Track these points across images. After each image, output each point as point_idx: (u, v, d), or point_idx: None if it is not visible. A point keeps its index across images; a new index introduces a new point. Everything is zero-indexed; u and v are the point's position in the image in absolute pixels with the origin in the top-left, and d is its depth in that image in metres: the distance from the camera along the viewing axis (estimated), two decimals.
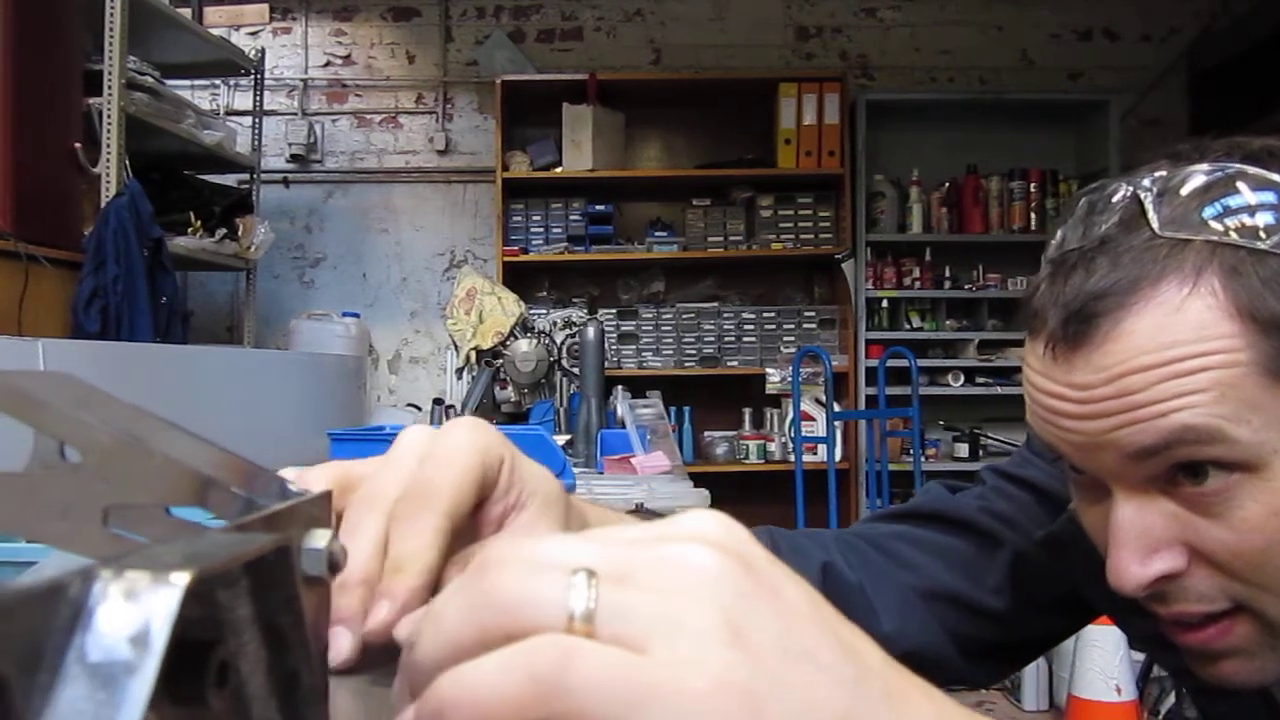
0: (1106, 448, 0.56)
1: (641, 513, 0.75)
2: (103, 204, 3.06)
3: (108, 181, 3.08)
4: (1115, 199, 0.57)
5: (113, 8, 3.10)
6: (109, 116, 3.09)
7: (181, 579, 0.20)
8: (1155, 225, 0.54)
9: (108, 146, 3.09)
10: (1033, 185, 4.38)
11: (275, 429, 2.56)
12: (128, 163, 3.14)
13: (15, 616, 0.18)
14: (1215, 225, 0.54)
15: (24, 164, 2.79)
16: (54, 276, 2.85)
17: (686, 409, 4.39)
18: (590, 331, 2.55)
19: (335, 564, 0.29)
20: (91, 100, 3.10)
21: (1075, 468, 0.60)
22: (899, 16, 4.71)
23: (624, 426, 2.44)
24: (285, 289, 4.66)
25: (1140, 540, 0.56)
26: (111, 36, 3.10)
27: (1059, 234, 0.60)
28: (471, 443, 0.42)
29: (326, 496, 0.32)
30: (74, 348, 2.00)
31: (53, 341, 1.81)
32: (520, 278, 4.37)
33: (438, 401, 3.09)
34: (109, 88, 3.09)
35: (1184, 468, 0.54)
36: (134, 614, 0.19)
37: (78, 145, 3.02)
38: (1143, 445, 0.54)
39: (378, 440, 1.24)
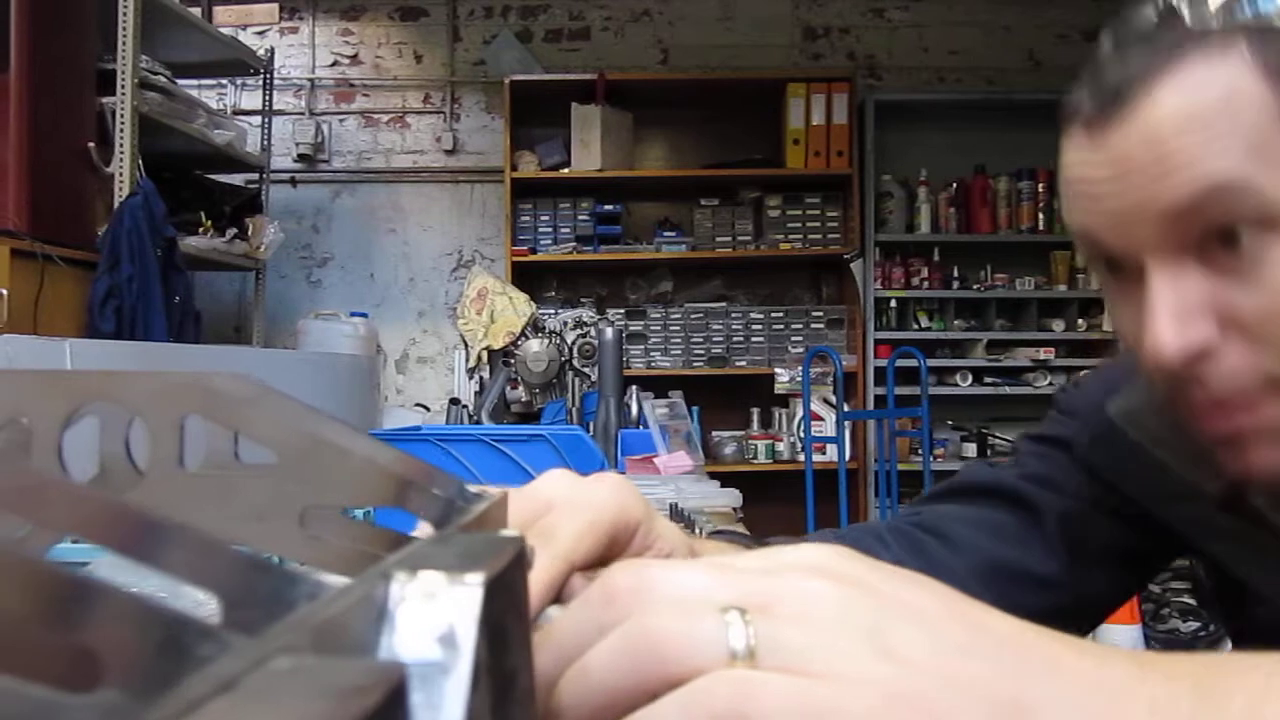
0: (1140, 216, 0.57)
1: (730, 537, 0.75)
2: (115, 203, 3.06)
3: (121, 181, 3.07)
4: (1148, 9, 0.60)
5: (125, 7, 3.10)
6: (122, 116, 3.09)
7: (477, 579, 0.20)
8: (1188, 21, 0.57)
9: (121, 146, 3.08)
10: (1040, 185, 4.38)
11: None
12: (140, 162, 3.14)
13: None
14: (1244, 17, 0.56)
15: (39, 164, 2.78)
16: (68, 276, 2.84)
17: (695, 409, 4.38)
18: (609, 332, 2.55)
19: (530, 564, 0.29)
20: (104, 100, 3.09)
21: (1111, 264, 0.61)
22: (907, 17, 4.71)
23: (638, 426, 2.45)
24: (293, 289, 4.65)
25: (1176, 308, 0.56)
26: (125, 36, 3.09)
27: (1099, 49, 0.63)
28: (608, 499, 0.43)
29: (505, 498, 0.32)
30: (100, 347, 1.99)
31: (79, 341, 1.81)
32: (528, 278, 4.36)
33: (454, 401, 3.09)
34: (122, 87, 3.09)
35: (1217, 233, 0.55)
36: (437, 615, 0.19)
37: (91, 145, 3.02)
38: (1175, 203, 0.55)
39: (415, 440, 1.24)
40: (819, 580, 0.29)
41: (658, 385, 4.19)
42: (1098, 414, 0.75)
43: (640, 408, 2.87)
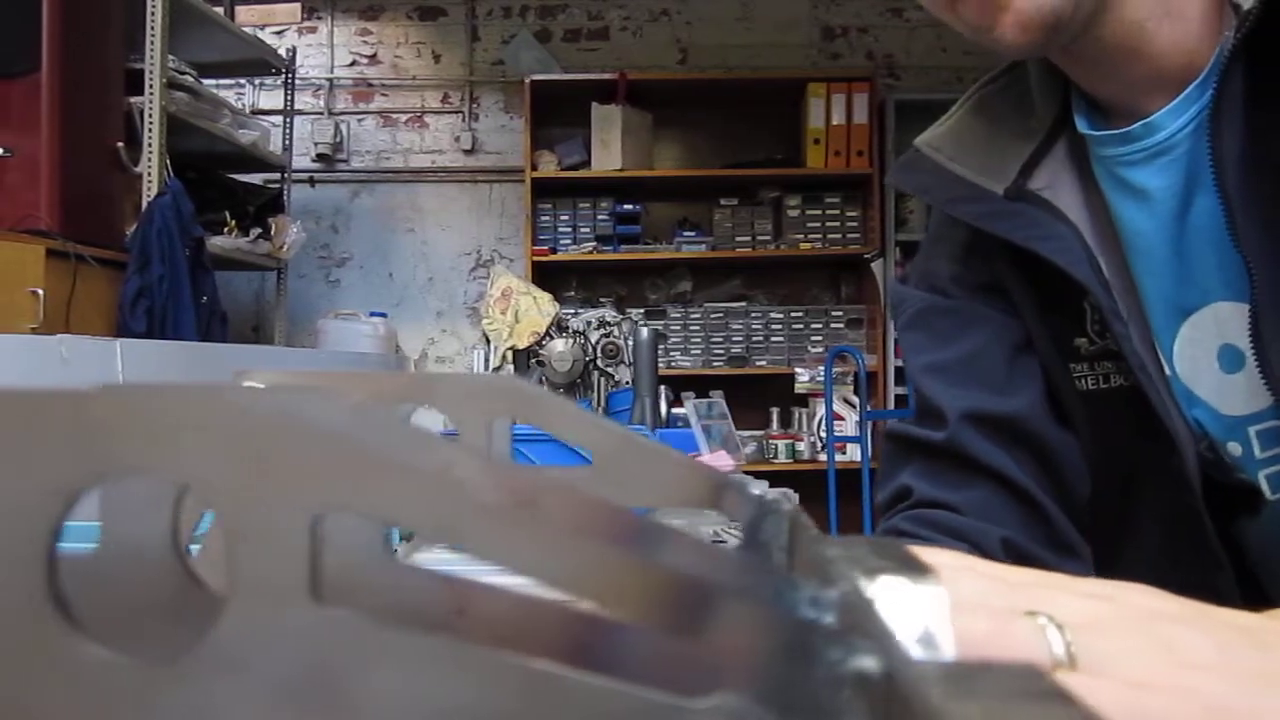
0: None
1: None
2: (143, 203, 3.06)
3: (149, 181, 3.07)
4: None
5: (154, 6, 3.10)
6: (150, 115, 3.09)
7: (937, 582, 0.20)
8: None
9: (149, 146, 3.08)
10: None
11: None
12: (168, 162, 3.14)
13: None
14: None
15: (70, 163, 2.79)
16: (99, 276, 2.84)
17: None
18: (643, 332, 2.55)
19: None
20: (133, 99, 3.09)
21: None
22: (925, 16, 4.66)
23: (667, 426, 2.45)
24: (311, 289, 4.65)
25: None
26: (153, 35, 3.09)
27: None
28: None
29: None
30: (150, 348, 1.99)
31: (128, 341, 1.81)
32: (548, 277, 4.36)
33: None
34: (150, 87, 3.09)
35: None
36: (911, 618, 0.19)
37: (120, 144, 3.02)
38: None
39: None
40: (1092, 591, 0.30)
41: (677, 385, 4.20)
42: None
43: (669, 408, 2.87)
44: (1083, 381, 0.82)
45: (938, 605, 0.19)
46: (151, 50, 3.08)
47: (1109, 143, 0.75)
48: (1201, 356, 0.76)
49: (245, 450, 0.15)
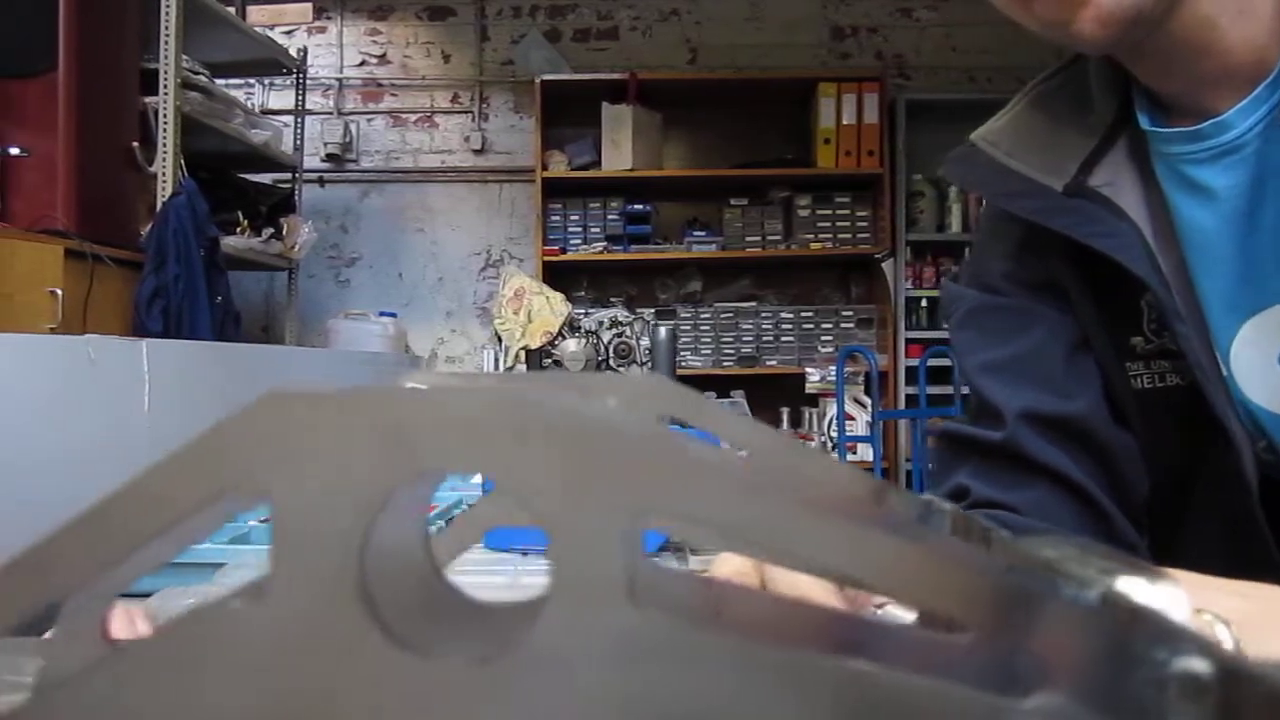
0: None
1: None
2: (158, 203, 3.06)
3: (163, 181, 3.07)
4: None
5: (168, 6, 3.10)
6: (165, 115, 3.09)
7: (1171, 579, 0.20)
8: None
9: (164, 145, 3.08)
10: None
11: None
12: (183, 162, 3.14)
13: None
14: None
15: (87, 163, 2.78)
16: (115, 276, 2.84)
17: None
18: (661, 331, 2.55)
19: None
20: (147, 99, 3.09)
21: None
22: (935, 16, 4.71)
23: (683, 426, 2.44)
24: (321, 288, 4.65)
25: None
26: (167, 35, 3.09)
27: None
28: None
29: None
30: (175, 348, 1.99)
31: (154, 341, 1.81)
32: (558, 277, 4.36)
33: None
34: (165, 87, 3.09)
35: None
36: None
37: (136, 144, 3.02)
38: None
39: None
40: (1236, 589, 0.30)
41: (687, 385, 4.20)
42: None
43: None
44: (1138, 380, 0.82)
45: (1180, 605, 0.19)
46: (166, 50, 3.08)
47: (1174, 140, 0.75)
48: (1260, 357, 0.76)
49: (564, 454, 0.14)
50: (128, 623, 0.68)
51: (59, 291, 2.45)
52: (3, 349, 1.63)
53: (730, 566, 0.43)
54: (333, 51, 4.68)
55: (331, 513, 0.15)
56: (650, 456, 0.15)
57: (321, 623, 0.15)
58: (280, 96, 4.60)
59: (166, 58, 3.08)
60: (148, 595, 0.89)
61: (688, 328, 4.44)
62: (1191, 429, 0.79)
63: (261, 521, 1.28)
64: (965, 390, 0.90)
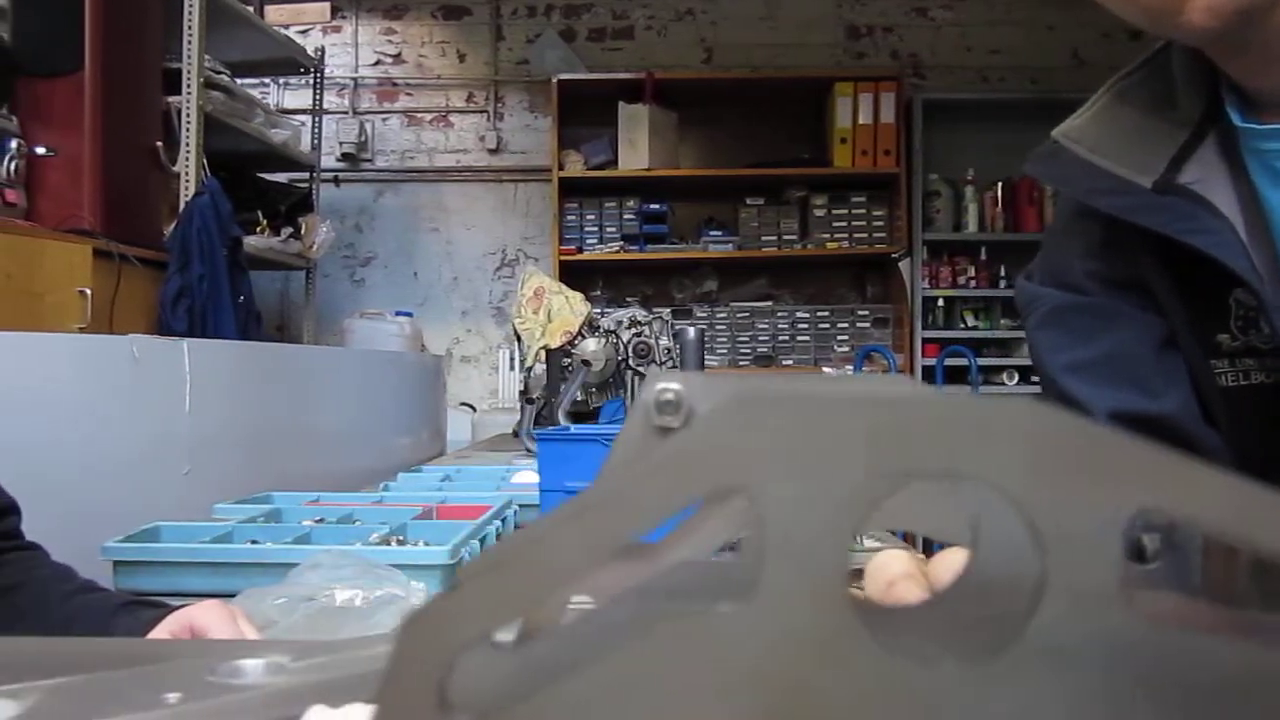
0: None
1: None
2: (180, 202, 3.06)
3: (186, 180, 3.07)
4: None
5: (191, 6, 3.10)
6: (188, 115, 3.09)
7: None
8: None
9: (187, 145, 3.08)
10: None
11: (380, 426, 2.56)
12: (205, 161, 3.14)
13: None
14: None
15: (112, 163, 2.78)
16: (140, 275, 2.84)
17: None
18: (690, 331, 2.56)
19: None
20: (170, 99, 3.09)
21: None
22: (950, 16, 4.71)
23: None
24: (336, 288, 4.65)
25: None
26: (190, 35, 3.09)
27: None
28: None
29: None
30: (214, 347, 2.00)
31: (195, 341, 1.81)
32: (573, 277, 4.35)
33: (530, 400, 3.08)
34: (188, 86, 3.09)
35: None
36: None
37: (159, 144, 3.02)
38: None
39: (584, 440, 1.24)
40: None
41: None
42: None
43: None
44: (1223, 378, 0.82)
45: None
46: (189, 50, 3.08)
47: (1271, 136, 0.75)
48: None
49: (1060, 458, 0.14)
50: (230, 622, 0.69)
51: (89, 291, 2.44)
52: (49, 348, 1.64)
53: (898, 566, 0.43)
54: (348, 51, 4.67)
55: (817, 514, 0.15)
56: (1143, 460, 0.15)
57: (813, 625, 0.15)
58: (294, 96, 4.60)
59: (189, 57, 3.08)
60: (231, 595, 0.89)
61: (703, 327, 4.43)
62: (1276, 427, 0.79)
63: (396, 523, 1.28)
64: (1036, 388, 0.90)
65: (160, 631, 0.67)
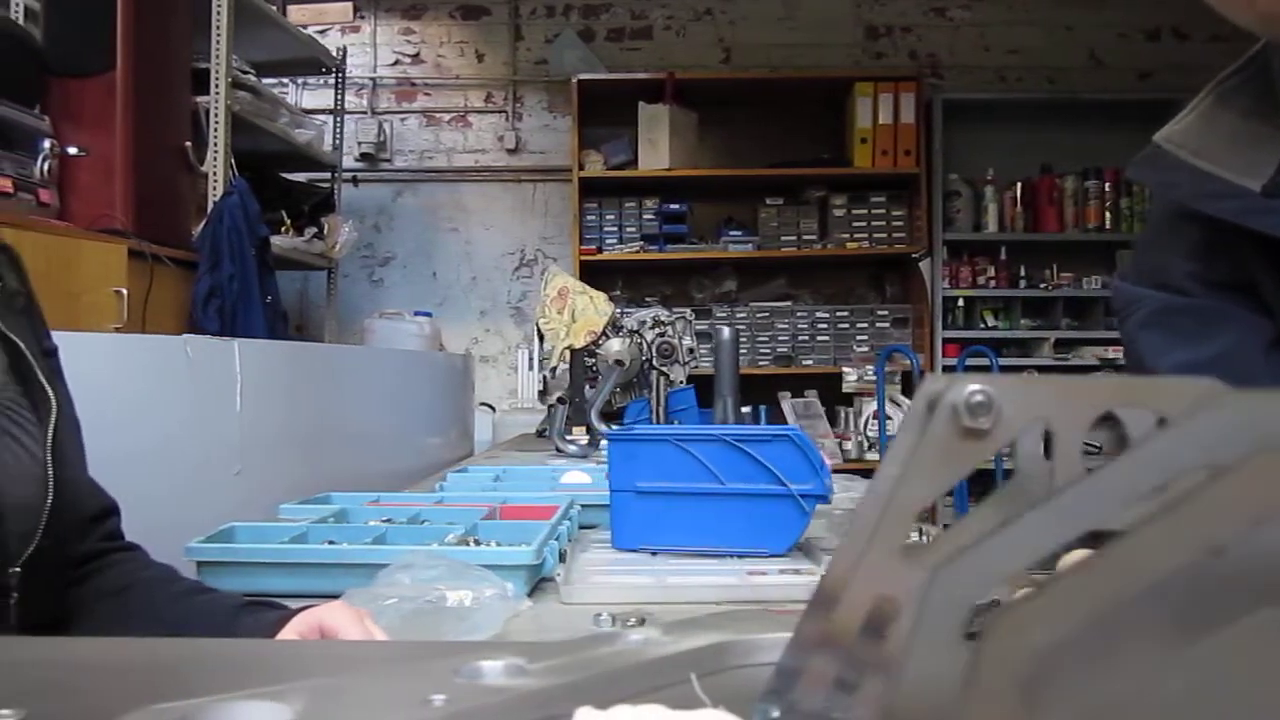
0: None
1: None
2: (208, 202, 3.06)
3: (214, 180, 3.07)
4: None
5: (219, 6, 3.10)
6: (216, 115, 3.09)
7: None
8: None
9: (214, 145, 3.08)
10: (1107, 185, 4.39)
11: (416, 426, 2.56)
12: (233, 161, 3.14)
13: None
14: None
15: (142, 163, 2.78)
16: (170, 275, 2.84)
17: (762, 408, 4.39)
18: (725, 331, 2.55)
19: None
20: (198, 98, 3.09)
21: None
22: (968, 16, 4.71)
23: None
24: (355, 288, 4.65)
25: None
26: (219, 35, 3.09)
27: None
28: None
29: None
30: (263, 347, 2.00)
31: (245, 341, 1.81)
32: (593, 277, 4.35)
33: (561, 401, 3.08)
34: (216, 86, 3.09)
35: None
36: None
37: (188, 144, 3.02)
38: None
39: (655, 440, 1.24)
40: None
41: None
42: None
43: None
44: None
45: None
46: (217, 49, 3.08)
47: None
48: None
49: None
50: (358, 623, 0.69)
51: (124, 291, 2.44)
52: (104, 348, 1.64)
53: None
54: (366, 51, 4.67)
55: None
56: None
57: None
58: (312, 96, 4.60)
59: (218, 57, 3.08)
60: (334, 597, 0.89)
61: (723, 327, 4.43)
62: None
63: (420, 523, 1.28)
64: None
65: (288, 633, 0.67)
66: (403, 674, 0.36)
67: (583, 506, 1.40)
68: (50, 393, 0.78)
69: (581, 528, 1.36)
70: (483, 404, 4.55)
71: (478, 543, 1.15)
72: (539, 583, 1.07)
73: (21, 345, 0.78)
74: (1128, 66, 4.69)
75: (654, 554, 1.21)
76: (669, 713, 0.33)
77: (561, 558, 1.14)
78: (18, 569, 0.70)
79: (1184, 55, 4.67)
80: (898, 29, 4.72)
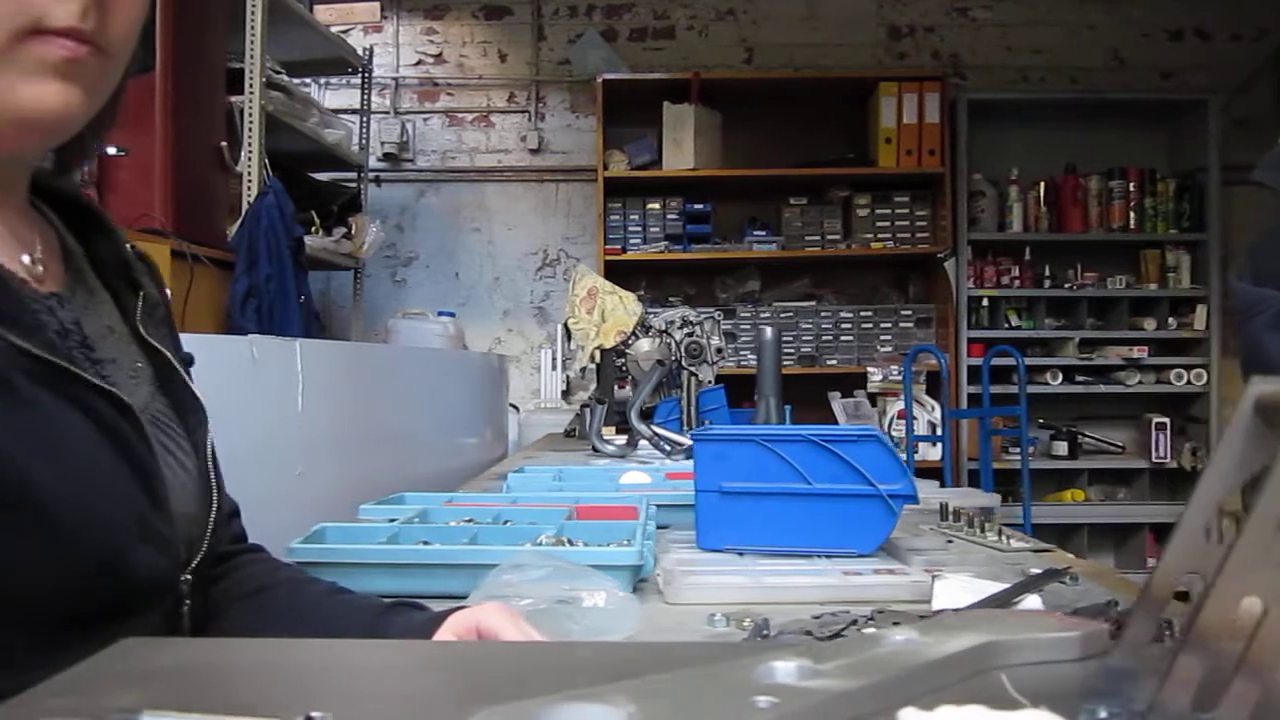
0: None
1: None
2: (242, 202, 3.06)
3: (249, 180, 3.08)
4: None
5: (254, 6, 3.10)
6: (250, 115, 3.09)
7: None
8: None
9: (249, 145, 3.09)
10: (1132, 185, 4.39)
11: (457, 426, 2.57)
12: (266, 161, 3.14)
13: None
14: None
15: (180, 163, 2.79)
16: (207, 274, 2.85)
17: (787, 407, 4.38)
18: (768, 332, 2.56)
19: None
20: (232, 98, 3.09)
21: None
22: (991, 16, 4.71)
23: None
24: (378, 288, 4.65)
25: None
26: (253, 35, 3.10)
27: None
28: None
29: None
30: (322, 347, 2.00)
31: (307, 342, 1.82)
32: (617, 277, 4.35)
33: (599, 401, 3.08)
34: (250, 86, 3.09)
35: None
36: None
37: (224, 144, 3.02)
38: None
39: (741, 440, 1.24)
40: None
41: (747, 384, 4.20)
42: None
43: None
44: None
45: None
46: (252, 49, 3.09)
47: None
48: None
49: None
50: (515, 624, 0.69)
51: (169, 292, 2.44)
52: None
53: None
54: (389, 51, 4.68)
55: None
56: None
57: None
58: (335, 95, 4.60)
59: (252, 57, 3.08)
60: (432, 598, 0.89)
61: (747, 327, 4.44)
62: None
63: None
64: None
65: (444, 633, 0.67)
66: (706, 676, 0.36)
67: (659, 507, 1.40)
68: (201, 401, 0.78)
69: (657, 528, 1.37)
70: (508, 404, 4.56)
71: (571, 543, 1.15)
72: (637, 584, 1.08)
73: (169, 355, 0.78)
74: (1150, 66, 4.69)
75: (740, 554, 1.21)
76: (991, 713, 0.33)
77: None
78: (188, 576, 0.70)
79: (1206, 55, 4.67)
80: (920, 29, 4.72)
